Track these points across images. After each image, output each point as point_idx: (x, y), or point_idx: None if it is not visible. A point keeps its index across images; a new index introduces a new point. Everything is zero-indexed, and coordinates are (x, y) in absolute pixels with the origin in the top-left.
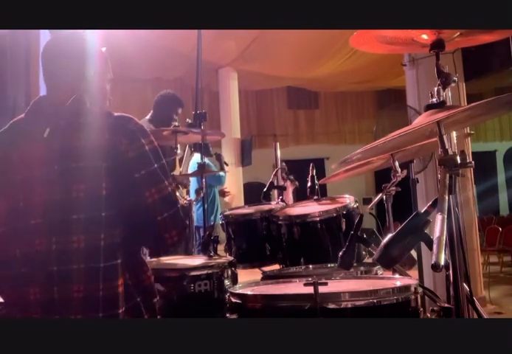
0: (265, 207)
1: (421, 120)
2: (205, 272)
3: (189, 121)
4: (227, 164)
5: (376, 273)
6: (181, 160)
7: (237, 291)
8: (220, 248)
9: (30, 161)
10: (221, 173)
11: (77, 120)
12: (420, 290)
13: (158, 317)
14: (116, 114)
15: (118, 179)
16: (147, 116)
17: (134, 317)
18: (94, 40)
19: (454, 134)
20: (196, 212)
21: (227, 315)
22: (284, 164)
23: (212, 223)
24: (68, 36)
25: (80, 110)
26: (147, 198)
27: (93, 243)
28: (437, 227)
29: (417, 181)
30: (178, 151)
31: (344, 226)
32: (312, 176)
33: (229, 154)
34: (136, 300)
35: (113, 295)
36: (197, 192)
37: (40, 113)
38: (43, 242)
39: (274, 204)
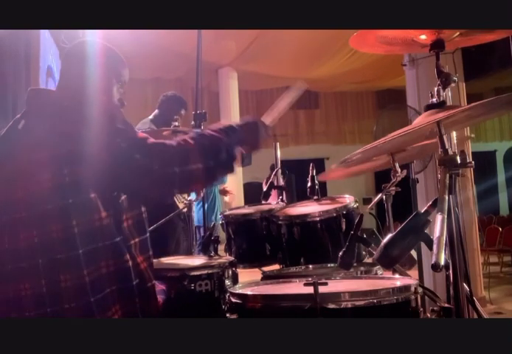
0: (265, 207)
1: (421, 120)
2: (206, 272)
3: (193, 124)
4: None
5: (376, 273)
6: None
7: (237, 291)
8: (221, 248)
9: (11, 153)
10: None
11: (61, 104)
12: (420, 290)
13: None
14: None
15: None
16: (150, 116)
17: (122, 299)
18: (102, 40)
19: (454, 134)
20: (197, 212)
21: (227, 315)
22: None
23: (212, 223)
24: (85, 42)
25: (62, 98)
26: (119, 143)
27: (68, 230)
28: (437, 227)
29: (417, 181)
30: None
31: (344, 226)
32: (312, 176)
33: None
34: (131, 283)
35: (98, 277)
36: (197, 192)
37: (28, 106)
38: (27, 236)
39: (274, 204)
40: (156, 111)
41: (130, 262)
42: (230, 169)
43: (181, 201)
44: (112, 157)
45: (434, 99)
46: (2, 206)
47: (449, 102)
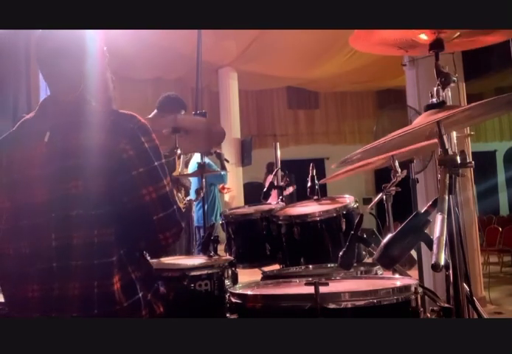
0: (265, 207)
1: (421, 120)
2: (205, 272)
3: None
4: (228, 161)
5: (376, 273)
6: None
7: (237, 291)
8: (220, 248)
9: (31, 159)
10: (223, 172)
11: (78, 119)
12: (420, 290)
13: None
14: (118, 112)
15: (115, 177)
16: (150, 116)
17: (132, 312)
18: (91, 34)
19: (454, 134)
20: (197, 212)
21: (227, 315)
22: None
23: (212, 223)
24: (63, 32)
25: (82, 109)
26: (144, 195)
27: (88, 239)
28: (437, 227)
29: (417, 181)
30: (179, 151)
31: (344, 226)
32: (312, 176)
33: (229, 154)
34: (138, 296)
35: (108, 292)
36: (197, 192)
37: (44, 113)
38: (44, 239)
39: (274, 204)
40: (156, 111)
41: (134, 275)
42: None
43: (181, 201)
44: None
45: (434, 99)
46: (22, 209)
47: (449, 102)
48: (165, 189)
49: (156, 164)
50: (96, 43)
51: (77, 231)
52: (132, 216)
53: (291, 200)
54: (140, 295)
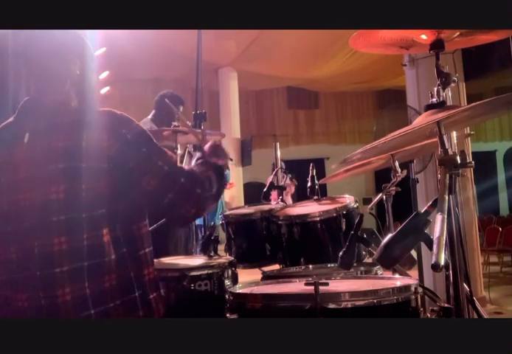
0: (265, 207)
1: (421, 120)
2: (205, 272)
3: (190, 124)
4: (231, 160)
5: (376, 273)
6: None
7: (237, 291)
8: (221, 248)
9: (13, 165)
10: (226, 171)
11: (59, 120)
12: (420, 290)
13: (157, 314)
14: (96, 110)
15: (109, 176)
16: (149, 116)
17: (127, 311)
18: (83, 35)
19: (454, 134)
20: None
21: (227, 315)
22: (283, 163)
23: (212, 223)
24: (56, 32)
25: (61, 110)
26: (145, 186)
27: (75, 243)
28: (437, 227)
29: (417, 181)
30: (179, 151)
31: (344, 226)
32: (312, 176)
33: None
34: (134, 294)
35: (100, 290)
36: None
37: (25, 115)
38: (26, 247)
39: (274, 204)
40: (154, 111)
41: (133, 274)
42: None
43: None
44: (155, 179)
45: (434, 99)
46: (4, 216)
47: (449, 102)
48: (163, 170)
49: (144, 150)
50: (87, 44)
51: (61, 237)
52: (147, 208)
53: (291, 200)
54: (137, 294)
